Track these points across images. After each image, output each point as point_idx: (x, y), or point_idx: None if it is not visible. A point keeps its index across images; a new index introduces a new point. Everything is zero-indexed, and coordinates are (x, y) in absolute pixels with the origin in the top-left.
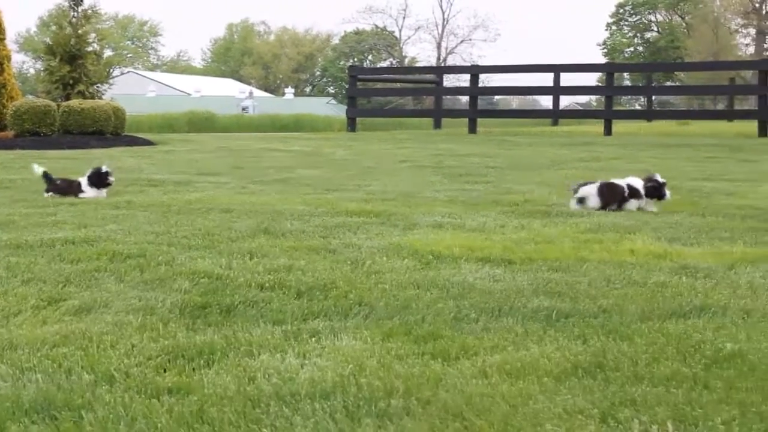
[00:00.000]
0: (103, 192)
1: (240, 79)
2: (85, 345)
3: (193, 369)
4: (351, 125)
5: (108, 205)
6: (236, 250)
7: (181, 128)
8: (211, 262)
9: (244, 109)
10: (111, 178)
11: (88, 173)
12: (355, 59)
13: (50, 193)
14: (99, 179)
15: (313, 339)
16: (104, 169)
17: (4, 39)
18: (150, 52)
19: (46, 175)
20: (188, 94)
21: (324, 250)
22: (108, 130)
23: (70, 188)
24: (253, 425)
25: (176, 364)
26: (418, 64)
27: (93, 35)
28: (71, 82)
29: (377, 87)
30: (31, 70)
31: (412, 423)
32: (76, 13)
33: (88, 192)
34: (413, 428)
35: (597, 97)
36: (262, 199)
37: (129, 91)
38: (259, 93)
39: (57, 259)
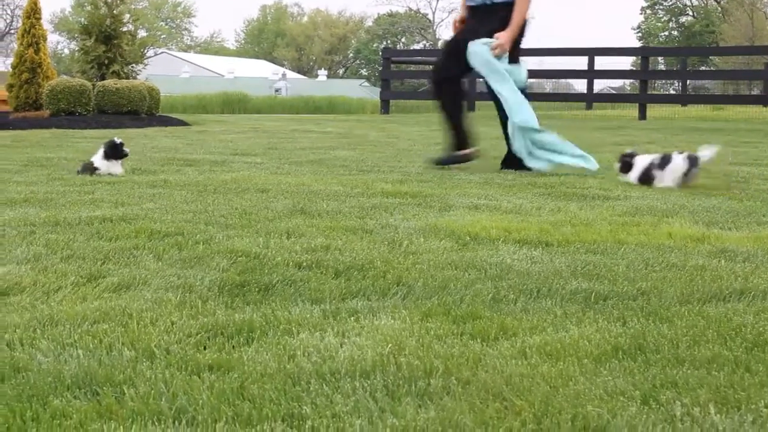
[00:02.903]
0: (118, 165)
1: (273, 61)
2: (125, 321)
3: (233, 347)
4: (384, 107)
5: (145, 184)
6: (273, 230)
7: (214, 109)
8: (248, 241)
9: (277, 90)
10: (126, 149)
11: (103, 146)
12: (389, 41)
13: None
14: (114, 151)
15: (352, 318)
16: (118, 140)
17: (39, 19)
18: (184, 33)
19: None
20: (222, 75)
21: (361, 230)
22: (143, 111)
23: (85, 166)
24: (294, 402)
25: (216, 342)
26: None
27: (128, 15)
28: (106, 62)
29: (411, 69)
30: (66, 51)
31: (453, 402)
32: None
33: (102, 167)
34: (453, 408)
35: (631, 81)
36: (297, 179)
37: (163, 72)
38: (292, 75)
39: (95, 236)
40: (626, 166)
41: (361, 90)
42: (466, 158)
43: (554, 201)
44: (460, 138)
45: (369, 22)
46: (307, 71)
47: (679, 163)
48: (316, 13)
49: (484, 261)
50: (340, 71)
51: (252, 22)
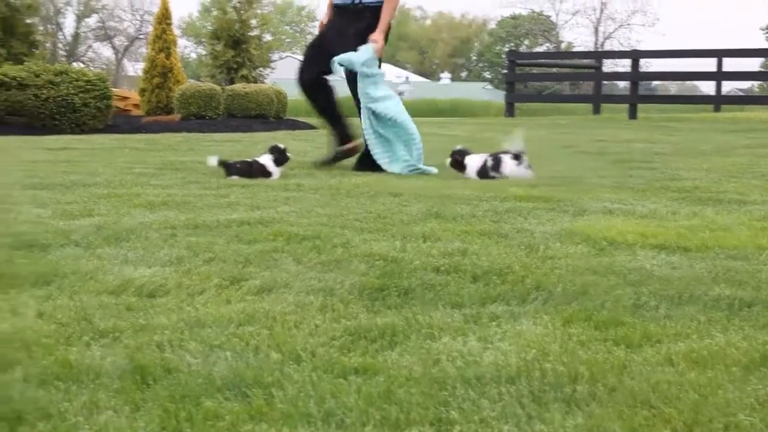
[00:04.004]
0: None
1: (396, 64)
2: (269, 324)
3: (376, 350)
4: (509, 110)
5: (278, 187)
6: (409, 234)
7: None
8: (385, 245)
9: (400, 93)
10: (289, 154)
11: (270, 152)
12: (512, 44)
13: (232, 177)
14: (283, 157)
15: (494, 323)
16: (282, 146)
17: (170, 24)
18: (308, 36)
19: (223, 163)
20: (345, 78)
21: (496, 234)
22: (270, 114)
23: (251, 169)
24: (441, 407)
25: (359, 345)
26: (574, 49)
27: (255, 20)
28: (235, 66)
29: (534, 72)
30: (193, 55)
31: (600, 409)
32: None
33: (275, 173)
34: (601, 414)
35: (759, 82)
36: (428, 183)
37: (287, 75)
38: (414, 77)
39: (235, 239)
40: (456, 163)
41: (484, 93)
42: (351, 152)
43: (689, 206)
44: (342, 133)
45: (492, 25)
46: (430, 74)
47: (509, 164)
48: (439, 16)
49: (623, 266)
50: (463, 74)
51: None
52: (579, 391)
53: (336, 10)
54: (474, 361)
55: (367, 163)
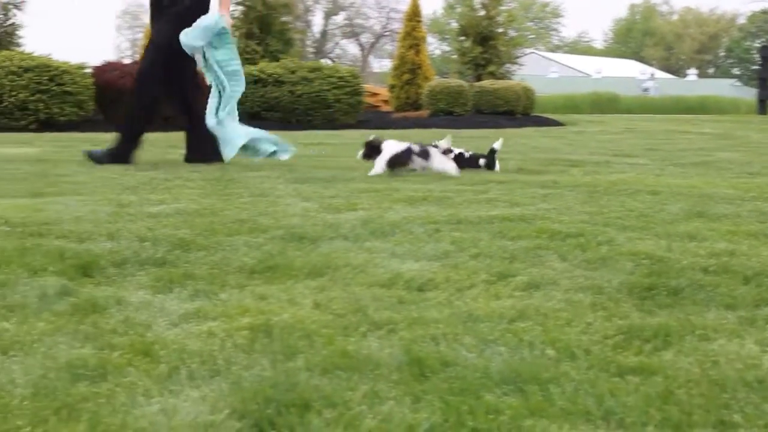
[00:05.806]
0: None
1: (641, 60)
2: (541, 321)
3: (651, 350)
4: (761, 108)
5: (534, 184)
6: (672, 233)
7: (584, 109)
8: (650, 244)
9: (645, 90)
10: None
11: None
12: (763, 39)
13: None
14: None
15: None
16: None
17: (420, 21)
18: (551, 33)
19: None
20: (589, 75)
21: (764, 235)
22: (518, 110)
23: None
24: (723, 410)
25: (633, 345)
26: None
27: (501, 17)
28: (483, 62)
29: None
30: (437, 51)
31: None
32: None
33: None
34: None
35: None
36: (686, 181)
37: (531, 71)
38: (660, 74)
39: (498, 235)
40: (371, 152)
41: (732, 90)
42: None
43: None
44: (128, 147)
45: (742, 20)
46: (676, 71)
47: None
48: (686, 11)
49: None
50: (710, 70)
51: (620, 22)
52: None
53: (154, 6)
54: (753, 364)
55: (198, 152)
